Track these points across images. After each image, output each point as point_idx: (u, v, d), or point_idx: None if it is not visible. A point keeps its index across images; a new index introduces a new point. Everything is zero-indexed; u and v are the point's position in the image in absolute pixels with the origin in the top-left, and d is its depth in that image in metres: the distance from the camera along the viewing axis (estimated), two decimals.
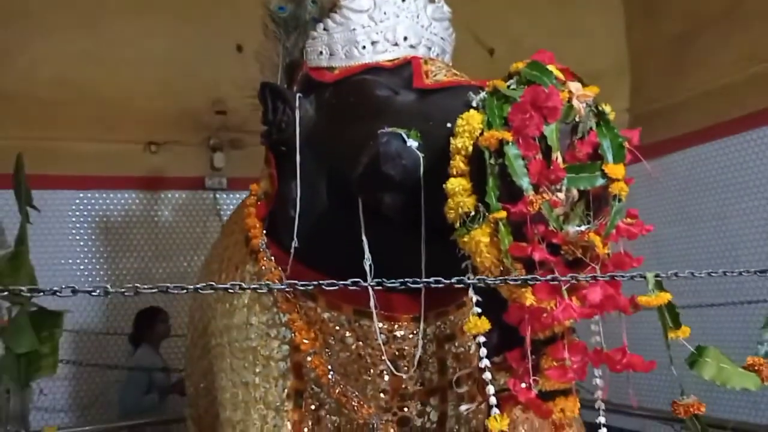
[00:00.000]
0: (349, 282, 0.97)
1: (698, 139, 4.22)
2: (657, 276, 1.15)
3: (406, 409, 1.87)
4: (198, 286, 0.87)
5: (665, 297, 1.19)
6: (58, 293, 0.75)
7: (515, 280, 1.22)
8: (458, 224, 1.36)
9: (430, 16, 1.94)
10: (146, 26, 4.33)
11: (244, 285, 0.92)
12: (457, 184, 1.36)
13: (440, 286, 1.09)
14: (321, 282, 0.97)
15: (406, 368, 1.83)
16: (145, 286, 0.80)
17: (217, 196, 4.70)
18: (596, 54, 4.49)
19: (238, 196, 4.51)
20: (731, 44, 4.01)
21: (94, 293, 0.76)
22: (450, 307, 1.90)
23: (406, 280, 1.03)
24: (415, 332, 1.83)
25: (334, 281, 0.96)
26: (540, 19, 4.62)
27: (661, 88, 4.42)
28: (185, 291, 0.83)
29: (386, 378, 1.83)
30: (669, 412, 1.36)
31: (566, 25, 4.50)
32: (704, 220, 4.17)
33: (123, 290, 0.78)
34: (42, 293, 0.76)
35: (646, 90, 4.54)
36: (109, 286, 0.77)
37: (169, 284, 0.80)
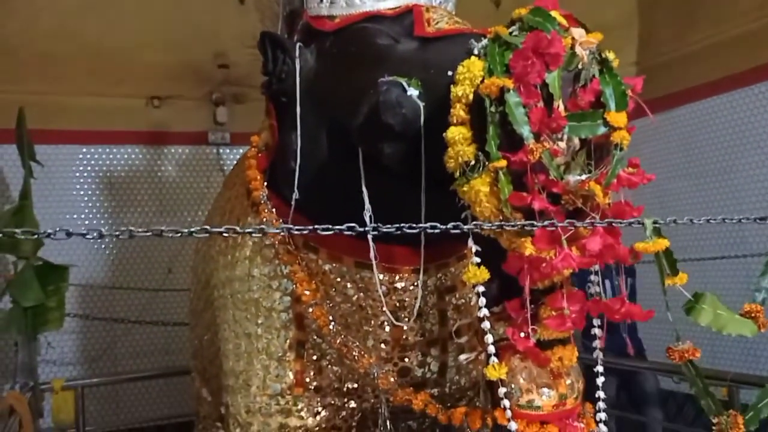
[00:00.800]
0: (344, 227, 0.97)
1: (706, 93, 4.17)
2: (655, 222, 1.14)
3: (406, 360, 1.89)
4: (193, 229, 0.86)
5: (663, 243, 1.18)
6: (52, 236, 0.75)
7: (512, 226, 1.22)
8: (458, 173, 1.35)
9: None
10: None
11: (239, 229, 0.92)
12: (457, 133, 1.34)
13: (437, 231, 1.08)
14: (317, 227, 0.96)
15: (406, 319, 1.84)
16: (140, 230, 0.79)
17: (221, 150, 4.69)
18: (604, 6, 4.40)
19: (241, 150, 4.48)
20: None
21: (88, 236, 0.76)
22: (451, 259, 1.90)
23: (402, 225, 1.02)
24: (415, 284, 1.83)
25: (329, 226, 0.95)
26: None
27: (670, 40, 4.34)
28: (180, 234, 0.83)
29: (387, 329, 1.84)
30: (668, 363, 1.37)
31: None
32: (710, 174, 4.14)
33: (117, 233, 0.78)
34: (36, 236, 0.76)
35: (654, 43, 4.47)
36: (103, 230, 0.76)
37: (163, 227, 0.79)
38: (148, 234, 0.79)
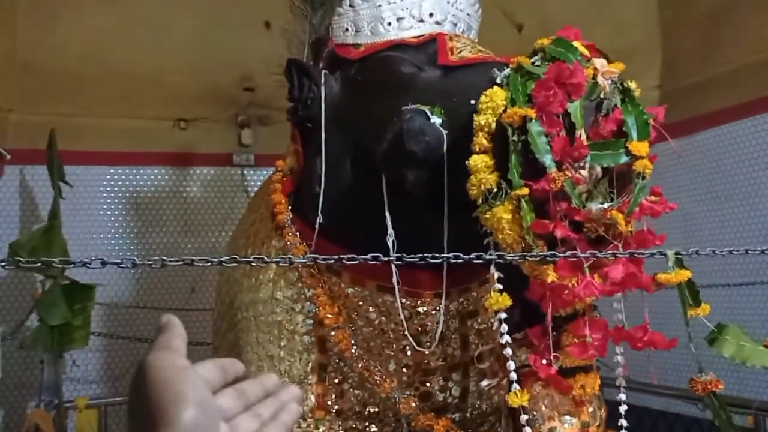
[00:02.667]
0: (369, 257, 0.99)
1: (731, 117, 4.13)
2: (677, 253, 1.14)
3: (428, 384, 1.89)
4: (222, 259, 0.89)
5: (685, 274, 1.19)
6: (87, 265, 0.78)
7: (534, 257, 1.23)
8: (481, 201, 1.37)
9: None
10: (175, 3, 4.34)
11: (267, 258, 0.94)
12: (479, 161, 1.37)
13: (460, 261, 1.10)
14: (342, 256, 0.98)
15: (428, 344, 1.85)
16: (172, 259, 0.82)
17: (245, 172, 4.73)
18: (627, 30, 4.41)
19: (265, 172, 4.54)
20: (765, 19, 3.90)
21: (122, 265, 0.79)
22: (473, 284, 1.91)
23: (425, 255, 1.04)
24: (437, 308, 1.84)
25: (355, 256, 0.97)
26: None
27: (693, 64, 4.32)
28: (210, 264, 0.85)
29: (409, 353, 1.85)
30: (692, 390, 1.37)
31: (597, 1, 4.41)
32: (736, 198, 4.10)
33: (150, 262, 0.80)
34: (73, 265, 0.79)
35: (678, 67, 4.45)
36: (136, 259, 0.79)
37: (194, 257, 0.82)
38: (179, 264, 0.82)
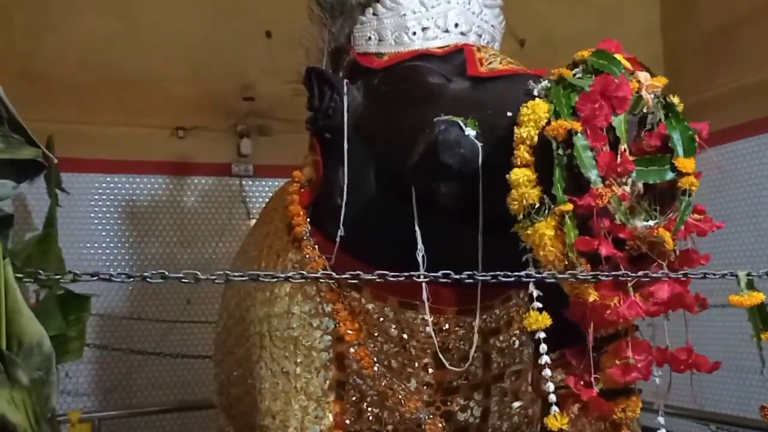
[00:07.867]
0: (419, 273, 0.94)
1: (733, 136, 4.14)
2: (749, 275, 1.11)
3: (449, 404, 1.84)
4: (259, 272, 0.83)
5: (759, 297, 1.15)
6: (113, 278, 0.73)
7: (575, 276, 1.19)
8: (521, 216, 1.33)
9: (481, 3, 1.91)
10: (175, 11, 4.31)
11: (305, 273, 0.89)
12: (521, 175, 1.33)
13: (494, 282, 1.05)
14: (384, 273, 0.93)
15: (450, 362, 1.79)
16: (204, 275, 0.76)
17: (243, 182, 4.66)
18: (631, 48, 4.38)
19: (264, 183, 4.49)
20: None
21: (150, 279, 0.73)
22: (495, 301, 1.87)
23: (471, 272, 0.99)
24: (460, 325, 1.79)
25: (385, 272, 0.92)
26: (573, 11, 4.55)
27: (696, 83, 4.34)
28: (245, 280, 0.80)
29: (431, 371, 1.80)
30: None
31: (600, 18, 4.43)
32: (739, 217, 4.10)
33: (180, 276, 0.75)
34: (97, 278, 0.73)
35: (681, 85, 4.41)
36: (166, 272, 0.74)
37: (228, 272, 0.77)
38: (212, 279, 0.76)
